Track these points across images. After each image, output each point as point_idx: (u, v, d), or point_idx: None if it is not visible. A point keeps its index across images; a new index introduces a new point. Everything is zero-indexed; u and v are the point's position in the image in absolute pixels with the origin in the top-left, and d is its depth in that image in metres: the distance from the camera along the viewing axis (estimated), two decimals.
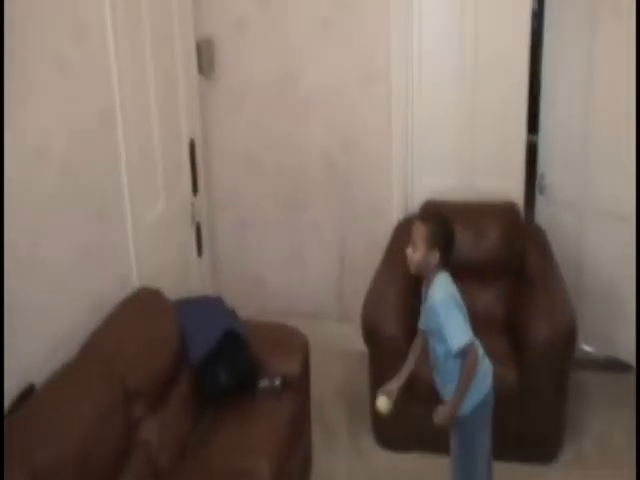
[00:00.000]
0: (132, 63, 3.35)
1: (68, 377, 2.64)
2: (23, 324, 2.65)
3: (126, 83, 3.28)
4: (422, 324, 2.95)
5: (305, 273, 4.54)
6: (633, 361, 4.22)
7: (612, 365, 4.29)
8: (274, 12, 4.17)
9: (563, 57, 4.19)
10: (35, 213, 2.74)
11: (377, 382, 3.59)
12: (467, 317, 2.81)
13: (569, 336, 3.46)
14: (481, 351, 2.85)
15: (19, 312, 2.60)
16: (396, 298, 3.65)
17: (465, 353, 2.73)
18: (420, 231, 2.78)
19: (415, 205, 4.25)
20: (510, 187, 4.23)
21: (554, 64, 4.23)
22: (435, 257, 2.76)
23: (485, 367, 2.87)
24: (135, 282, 3.37)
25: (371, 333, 3.55)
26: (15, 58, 2.57)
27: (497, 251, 3.97)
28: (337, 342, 4.29)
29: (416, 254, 2.78)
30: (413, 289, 3.78)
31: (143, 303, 3.17)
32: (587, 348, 4.37)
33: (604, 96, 4.04)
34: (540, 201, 4.46)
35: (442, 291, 2.77)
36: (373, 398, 3.23)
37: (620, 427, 3.76)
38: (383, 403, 2.88)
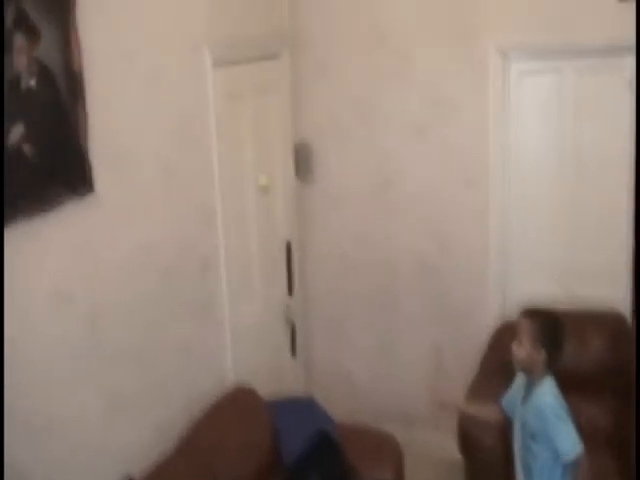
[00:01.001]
0: (232, 166, 3.53)
1: (165, 471, 2.68)
2: (125, 414, 2.73)
3: (226, 185, 3.44)
4: (506, 401, 2.84)
5: (398, 375, 4.48)
6: None
7: None
8: (371, 119, 4.31)
9: None
10: (136, 305, 2.86)
11: None
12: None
13: None
14: None
15: (123, 402, 2.69)
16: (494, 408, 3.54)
17: (577, 464, 2.63)
18: (526, 328, 2.74)
19: (512, 310, 4.17)
20: (615, 295, 4.10)
21: None
22: (541, 356, 2.69)
23: None
24: (231, 380, 3.43)
25: (468, 443, 3.45)
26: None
27: (602, 362, 3.84)
28: (430, 449, 4.17)
29: (521, 351, 2.73)
30: None
31: (238, 402, 3.22)
32: None
33: None
34: None
35: (551, 395, 2.71)
36: None
37: None
38: None
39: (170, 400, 3.02)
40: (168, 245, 3.06)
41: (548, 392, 2.72)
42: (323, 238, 4.53)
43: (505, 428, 3.18)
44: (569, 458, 2.64)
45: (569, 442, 2.65)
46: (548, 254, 4.23)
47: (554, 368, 2.76)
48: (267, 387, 3.52)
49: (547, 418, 2.67)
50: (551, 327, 2.73)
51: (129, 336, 2.80)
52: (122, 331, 2.76)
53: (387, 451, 3.31)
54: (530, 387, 2.79)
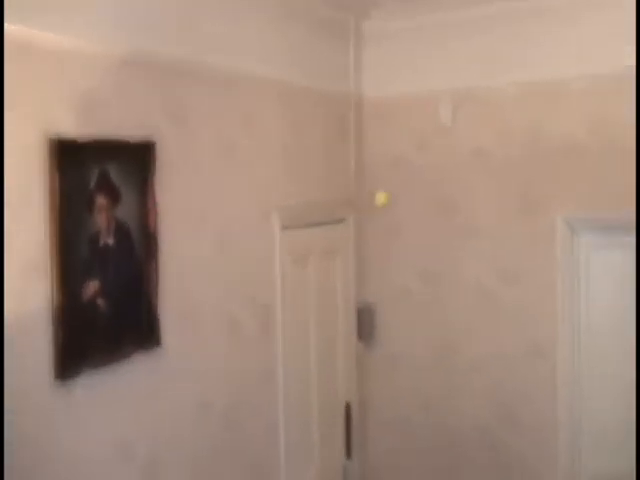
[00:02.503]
0: (296, 326, 3.57)
1: None
2: None
3: (289, 344, 3.46)
4: None
5: None
6: None
7: None
8: (436, 284, 4.34)
9: None
10: (197, 468, 2.82)
11: None
12: None
13: None
14: None
15: None
16: None
17: None
18: None
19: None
20: None
21: None
22: None
23: None
24: None
25: None
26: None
27: None
28: None
29: None
30: None
31: None
32: None
33: None
34: None
35: None
36: None
37: None
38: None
39: None
40: (227, 404, 3.07)
41: None
42: (384, 402, 4.45)
43: None
44: None
45: None
46: (620, 429, 4.04)
47: None
48: None
49: None
50: None
51: None
52: None
53: None
54: None
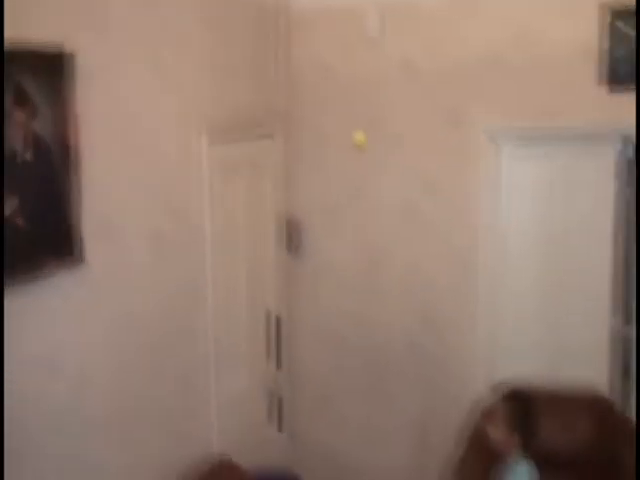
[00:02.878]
0: (223, 239, 3.57)
1: None
2: None
3: (216, 258, 3.47)
4: None
5: (383, 455, 4.44)
6: None
7: None
8: (361, 198, 4.38)
9: None
10: (121, 375, 2.85)
11: None
12: None
13: None
14: None
15: (104, 474, 2.65)
16: None
17: None
18: (501, 409, 2.74)
19: (498, 392, 4.16)
20: (596, 375, 4.11)
21: None
22: (514, 439, 2.69)
23: None
24: (216, 453, 3.38)
25: None
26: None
27: (586, 445, 3.80)
28: None
29: (496, 432, 2.72)
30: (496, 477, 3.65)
31: (223, 476, 3.16)
32: None
33: None
34: (632, 391, 4.29)
35: None
36: None
37: None
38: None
39: (152, 472, 2.98)
40: (155, 316, 3.09)
41: (521, 477, 2.70)
42: (312, 313, 4.54)
43: None
44: None
45: None
46: (535, 334, 4.24)
47: (530, 452, 2.74)
48: (251, 461, 3.49)
49: None
50: (525, 411, 2.73)
51: (113, 406, 2.79)
52: (106, 401, 2.75)
53: None
54: (505, 469, 2.78)
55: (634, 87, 3.69)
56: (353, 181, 4.39)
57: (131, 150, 2.95)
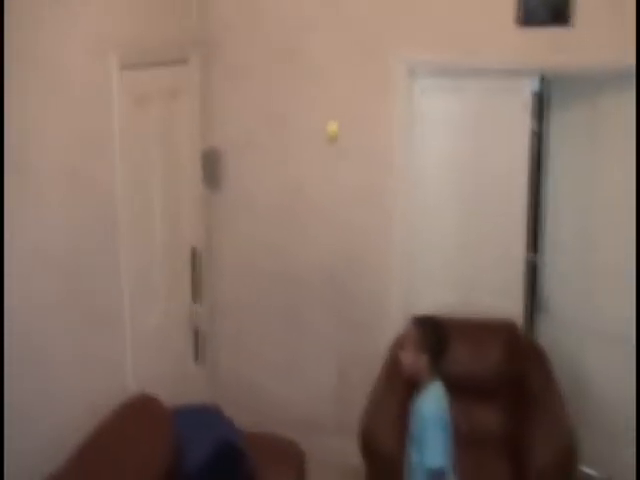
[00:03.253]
0: (137, 171, 3.46)
1: None
2: (19, 424, 2.63)
3: (130, 191, 3.37)
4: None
5: (303, 383, 4.51)
6: None
7: None
8: (281, 128, 4.32)
9: (564, 178, 4.30)
10: (34, 311, 2.77)
11: None
12: (451, 436, 2.79)
13: (569, 459, 3.42)
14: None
15: (17, 411, 2.59)
16: (395, 412, 3.61)
17: (434, 475, 2.69)
18: (411, 334, 2.81)
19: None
20: (509, 305, 4.27)
21: (555, 185, 4.34)
22: (425, 361, 2.76)
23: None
24: (132, 388, 3.35)
25: (368, 447, 3.50)
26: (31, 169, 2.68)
27: (496, 369, 3.97)
28: (334, 455, 4.20)
29: (407, 357, 2.79)
30: (410, 406, 3.77)
31: (139, 410, 3.14)
32: (588, 471, 4.29)
33: (605, 218, 4.11)
34: (541, 320, 4.48)
35: (434, 404, 2.77)
36: None
37: None
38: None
39: (66, 410, 2.93)
40: (68, 251, 2.98)
41: (432, 400, 2.79)
42: (232, 247, 4.50)
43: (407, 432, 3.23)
44: (431, 468, 2.71)
45: (435, 452, 2.71)
46: (449, 267, 4.35)
47: (440, 372, 2.82)
48: (171, 396, 3.45)
49: (426, 428, 2.75)
50: (432, 332, 2.81)
51: (25, 343, 2.71)
52: (18, 338, 2.66)
53: (290, 457, 3.32)
54: (418, 395, 2.86)
55: (548, 24, 3.76)
56: (273, 113, 4.31)
57: (36, 79, 2.78)
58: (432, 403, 2.78)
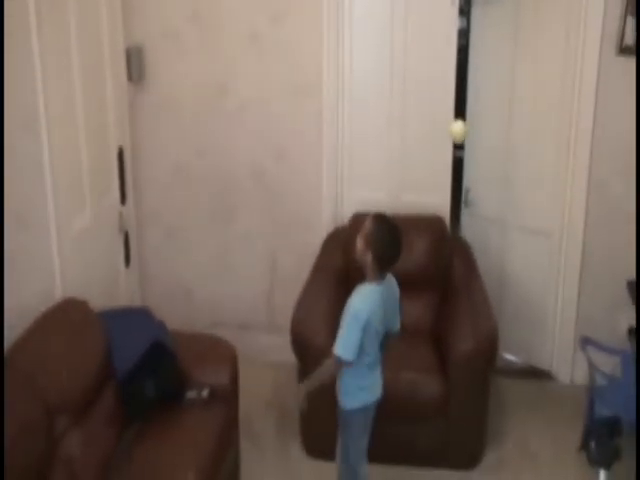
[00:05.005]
0: (57, 66, 3.23)
1: None
2: None
3: (51, 87, 3.15)
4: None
5: (234, 284, 4.47)
6: (551, 369, 4.31)
7: (532, 372, 4.37)
8: (206, 23, 4.10)
9: (487, 76, 4.27)
10: None
11: (306, 392, 3.57)
12: (378, 334, 2.82)
13: (491, 346, 3.51)
14: (377, 372, 2.92)
15: None
16: (325, 309, 3.62)
17: (336, 361, 2.78)
18: (365, 226, 2.77)
19: (345, 217, 4.24)
20: (437, 201, 4.27)
21: (480, 82, 4.30)
22: (369, 259, 2.73)
23: (376, 381, 2.93)
24: (59, 293, 3.24)
25: (300, 344, 3.51)
26: None
27: (424, 263, 4.00)
28: (267, 353, 4.23)
29: (359, 243, 2.77)
30: (342, 300, 3.77)
31: (67, 315, 3.05)
32: (508, 357, 4.44)
33: (526, 114, 4.13)
34: (466, 215, 4.52)
35: (361, 303, 2.76)
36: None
37: (538, 432, 3.83)
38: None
39: None
40: None
41: (361, 297, 2.78)
42: (157, 145, 4.32)
43: (337, 328, 3.22)
44: (334, 352, 2.76)
45: (344, 344, 2.74)
46: (378, 164, 4.29)
47: (383, 275, 2.78)
48: (99, 299, 3.37)
49: (346, 315, 2.76)
50: (385, 234, 2.75)
51: None
52: None
53: (222, 356, 3.29)
54: (358, 286, 2.85)
55: None
56: (196, 6, 4.07)
57: None
58: (360, 302, 2.77)
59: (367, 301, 2.76)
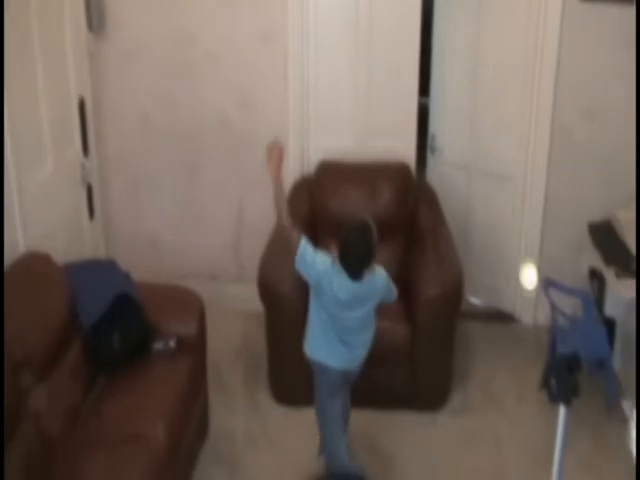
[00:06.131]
0: (12, 16, 3.07)
1: None
2: None
3: (7, 37, 3.00)
4: None
5: (202, 234, 4.39)
6: (514, 311, 4.34)
7: (496, 315, 4.39)
8: None
9: (453, 23, 4.19)
10: None
11: (274, 341, 3.55)
12: (335, 304, 2.82)
13: (456, 290, 3.51)
14: (339, 345, 2.90)
15: None
16: (292, 258, 3.57)
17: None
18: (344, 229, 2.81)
19: (311, 165, 4.17)
20: (403, 148, 4.21)
21: (445, 28, 4.22)
22: (333, 254, 2.79)
23: (336, 351, 2.90)
24: (22, 247, 3.14)
25: (267, 293, 3.48)
26: None
27: (390, 210, 3.96)
28: (235, 303, 4.19)
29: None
30: None
31: (30, 269, 2.96)
32: (474, 300, 4.46)
33: (491, 61, 4.07)
34: (431, 161, 4.48)
35: (323, 265, 2.80)
36: (271, 357, 3.19)
37: (502, 374, 3.86)
38: None
39: None
40: None
41: (332, 266, 2.81)
42: (121, 96, 4.18)
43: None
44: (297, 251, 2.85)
45: (303, 251, 2.82)
46: (344, 112, 4.20)
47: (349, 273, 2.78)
48: (63, 252, 3.28)
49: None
50: (350, 242, 2.75)
51: None
52: None
53: (189, 306, 3.24)
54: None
55: None
56: None
57: None
58: (322, 263, 2.81)
59: (327, 269, 2.78)
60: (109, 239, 4.30)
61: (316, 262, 2.80)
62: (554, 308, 3.53)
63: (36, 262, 3.02)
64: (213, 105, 4.17)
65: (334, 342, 2.89)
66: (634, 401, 3.25)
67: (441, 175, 4.40)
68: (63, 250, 3.33)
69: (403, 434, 3.42)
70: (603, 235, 3.73)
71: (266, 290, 3.48)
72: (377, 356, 3.04)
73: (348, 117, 4.21)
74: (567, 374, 2.08)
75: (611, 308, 3.62)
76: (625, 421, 3.28)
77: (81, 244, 3.85)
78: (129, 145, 4.26)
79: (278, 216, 2.91)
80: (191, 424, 3.00)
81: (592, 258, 3.71)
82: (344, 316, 2.83)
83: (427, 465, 3.27)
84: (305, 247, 2.82)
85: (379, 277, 2.86)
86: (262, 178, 4.21)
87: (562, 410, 2.14)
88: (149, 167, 4.29)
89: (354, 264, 2.73)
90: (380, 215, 3.91)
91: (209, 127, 4.21)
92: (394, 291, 2.98)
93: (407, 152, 4.20)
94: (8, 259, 2.96)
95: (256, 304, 3.53)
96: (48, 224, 3.40)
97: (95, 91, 4.07)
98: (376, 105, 4.16)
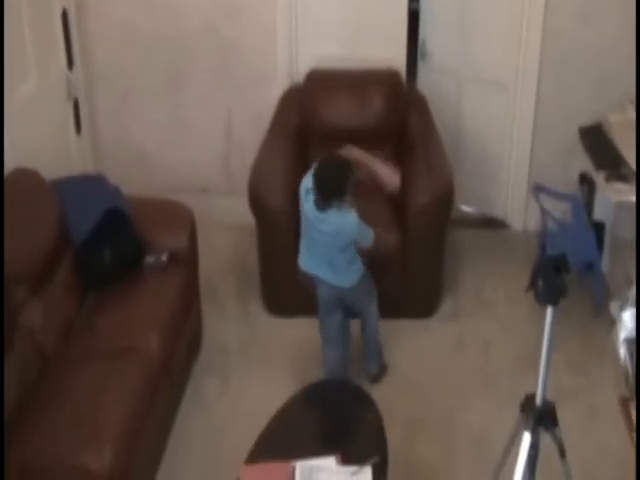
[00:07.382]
0: None
1: None
2: None
3: None
4: None
5: (191, 147, 4.26)
6: (505, 217, 4.28)
7: (487, 222, 4.33)
8: None
9: None
10: None
11: (266, 253, 3.50)
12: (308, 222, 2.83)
13: (447, 198, 3.44)
14: (311, 254, 2.93)
15: None
16: (282, 169, 3.49)
17: None
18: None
19: (301, 74, 4.02)
20: (393, 54, 4.04)
21: None
22: None
23: (324, 268, 2.90)
24: (9, 164, 3.03)
25: (258, 205, 3.40)
26: None
27: (380, 118, 3.85)
28: (226, 216, 4.10)
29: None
30: (299, 159, 3.63)
31: (18, 185, 2.87)
32: (464, 208, 4.39)
33: None
34: (422, 68, 4.32)
35: (307, 177, 2.83)
36: (262, 269, 3.13)
37: (492, 280, 3.83)
38: None
39: None
40: None
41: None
42: (105, 5, 3.96)
43: (294, 189, 3.07)
44: None
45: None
46: (333, 19, 4.01)
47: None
48: (51, 168, 3.16)
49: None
50: (319, 170, 2.73)
51: None
52: None
53: (179, 220, 3.17)
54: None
55: None
56: None
57: None
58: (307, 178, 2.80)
59: (308, 188, 2.79)
60: (97, 154, 4.17)
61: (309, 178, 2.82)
62: (544, 213, 3.46)
63: (24, 178, 2.93)
64: (199, 13, 3.97)
65: (318, 257, 2.89)
66: (621, 302, 3.24)
67: (432, 82, 4.24)
68: (51, 166, 3.22)
69: (396, 340, 3.41)
70: (594, 138, 3.63)
71: (256, 202, 3.40)
72: (367, 263, 3.01)
73: (337, 24, 4.02)
74: (554, 275, 2.04)
75: (600, 212, 3.56)
76: (612, 322, 3.27)
77: (69, 159, 3.74)
78: (115, 57, 4.08)
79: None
80: (184, 336, 2.98)
81: (582, 163, 3.62)
82: (314, 229, 2.84)
83: (419, 368, 3.28)
84: None
85: (348, 219, 2.79)
86: (250, 88, 4.10)
87: (549, 310, 2.11)
88: (136, 79, 4.12)
89: (317, 195, 2.74)
90: (370, 122, 3.83)
91: (196, 37, 4.02)
92: (370, 235, 2.90)
93: (397, 58, 4.03)
94: None
95: (247, 217, 3.45)
96: (35, 140, 3.29)
97: (78, 1, 3.86)
98: (365, 10, 3.97)
